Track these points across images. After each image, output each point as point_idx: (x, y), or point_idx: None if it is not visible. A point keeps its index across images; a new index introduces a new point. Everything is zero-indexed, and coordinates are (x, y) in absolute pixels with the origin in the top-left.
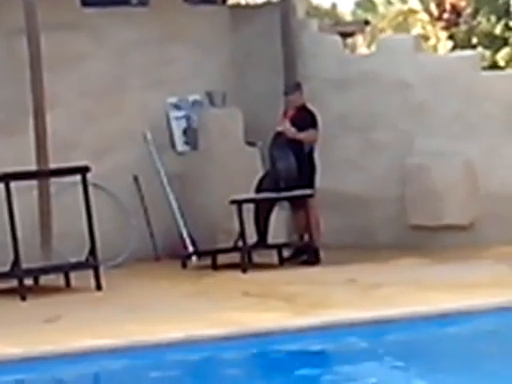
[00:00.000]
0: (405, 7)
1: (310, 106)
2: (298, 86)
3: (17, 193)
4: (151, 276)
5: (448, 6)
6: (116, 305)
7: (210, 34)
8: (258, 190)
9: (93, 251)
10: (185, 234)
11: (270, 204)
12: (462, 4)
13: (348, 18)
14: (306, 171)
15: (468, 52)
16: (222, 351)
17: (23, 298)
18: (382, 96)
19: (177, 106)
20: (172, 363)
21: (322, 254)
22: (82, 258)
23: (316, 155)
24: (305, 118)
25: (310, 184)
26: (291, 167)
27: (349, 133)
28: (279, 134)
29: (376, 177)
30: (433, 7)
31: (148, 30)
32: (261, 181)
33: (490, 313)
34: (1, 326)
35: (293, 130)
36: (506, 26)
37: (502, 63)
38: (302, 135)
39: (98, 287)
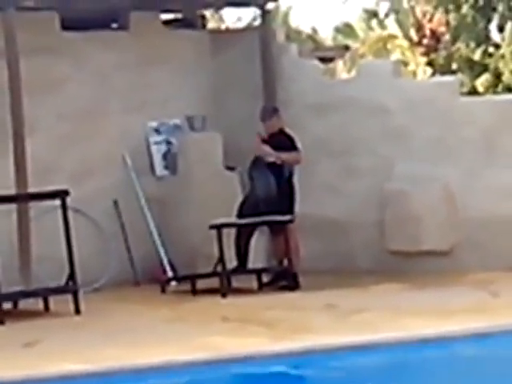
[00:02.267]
0: (384, 33)
1: (287, 130)
2: (274, 111)
3: None
4: (130, 301)
5: (428, 32)
6: (95, 329)
7: (190, 59)
8: (240, 214)
9: (72, 275)
10: (164, 259)
11: (251, 228)
12: (442, 30)
13: (328, 42)
14: (285, 196)
15: (447, 78)
16: (201, 376)
17: (2, 322)
18: (361, 121)
19: (157, 131)
20: None
21: (301, 279)
22: (61, 283)
23: (295, 180)
24: (284, 142)
25: (290, 209)
26: (270, 189)
27: (328, 157)
28: (258, 158)
29: (355, 202)
30: (412, 32)
31: (128, 53)
32: (241, 205)
33: (469, 339)
34: None
35: (273, 152)
36: (485, 52)
37: (481, 89)
38: (284, 156)
39: (77, 311)
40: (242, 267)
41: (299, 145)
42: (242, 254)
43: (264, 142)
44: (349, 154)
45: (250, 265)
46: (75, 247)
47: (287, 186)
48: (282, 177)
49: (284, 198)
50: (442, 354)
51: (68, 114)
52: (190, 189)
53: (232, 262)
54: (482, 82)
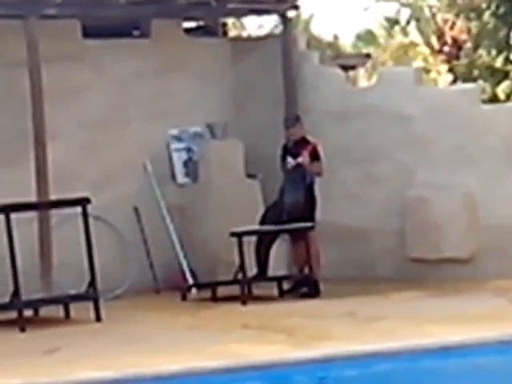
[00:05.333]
0: (406, 40)
1: (310, 137)
2: (297, 119)
3: (17, 224)
4: (151, 308)
5: (449, 39)
6: (115, 336)
7: (211, 66)
8: (263, 221)
9: (92, 283)
10: (185, 266)
11: (272, 236)
12: (463, 37)
13: (349, 49)
14: (307, 203)
15: (468, 85)
16: (221, 383)
17: (22, 330)
18: (382, 128)
19: (178, 138)
20: None
21: (321, 287)
22: (82, 290)
23: (316, 187)
24: (308, 151)
25: (311, 216)
26: (298, 202)
27: (349, 165)
28: (296, 167)
29: (376, 209)
30: (434, 40)
31: (149, 61)
32: (266, 212)
33: (490, 346)
34: (0, 357)
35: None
36: (507, 59)
37: (502, 96)
38: (313, 167)
39: (98, 319)
40: (261, 275)
41: (322, 154)
42: (262, 261)
43: (287, 149)
44: (369, 162)
45: (271, 272)
46: (96, 255)
47: (308, 193)
48: (304, 184)
49: (305, 206)
50: (462, 362)
51: (89, 122)
52: (210, 196)
53: (252, 270)
54: (503, 89)
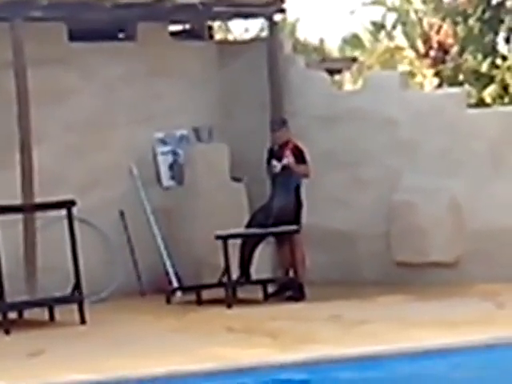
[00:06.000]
0: (391, 44)
1: (296, 141)
2: (283, 123)
3: (2, 226)
4: (136, 311)
5: (435, 44)
6: (100, 339)
7: (197, 70)
8: (249, 224)
9: (77, 285)
10: (170, 269)
11: (257, 239)
12: (449, 41)
13: (335, 53)
14: (293, 207)
15: (454, 89)
16: None
17: (7, 332)
18: (368, 132)
19: (163, 141)
20: None
21: (306, 290)
22: (67, 292)
23: (303, 190)
24: (294, 153)
25: (297, 220)
26: (287, 206)
27: (335, 169)
28: (283, 170)
29: (362, 213)
30: (419, 44)
31: (135, 64)
32: (253, 215)
33: (475, 350)
34: None
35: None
36: (493, 63)
37: (488, 100)
38: (294, 165)
39: (83, 321)
40: (243, 276)
41: (308, 158)
42: (246, 263)
43: (273, 152)
44: (356, 166)
45: (256, 275)
46: (81, 257)
47: (294, 196)
48: (292, 187)
49: (292, 209)
50: (447, 366)
51: (75, 125)
52: (196, 199)
53: (237, 273)
54: (489, 93)
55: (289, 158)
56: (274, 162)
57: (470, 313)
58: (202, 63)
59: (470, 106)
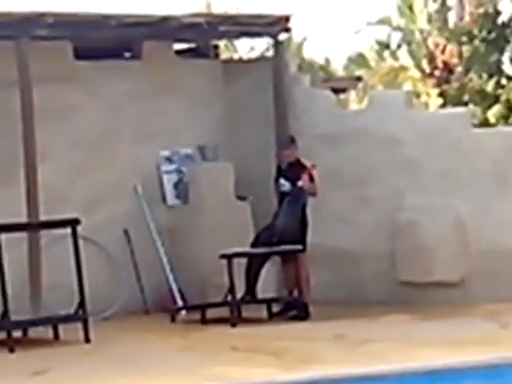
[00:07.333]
0: (396, 64)
1: (304, 160)
2: (292, 141)
3: (7, 244)
4: (140, 329)
5: (440, 63)
6: (104, 358)
7: (202, 88)
8: (255, 243)
9: (82, 304)
10: (174, 288)
11: (263, 258)
12: (454, 61)
13: (340, 72)
14: (299, 226)
15: (459, 109)
16: None
17: (11, 350)
18: (373, 151)
19: (168, 160)
20: None
21: (311, 310)
22: (71, 311)
23: (308, 210)
24: (302, 172)
25: (302, 239)
26: (291, 225)
27: (340, 188)
28: (296, 190)
29: (366, 232)
30: (424, 64)
31: (141, 83)
32: (258, 234)
33: (480, 370)
34: None
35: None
36: (498, 83)
37: (493, 120)
38: (312, 187)
39: (87, 340)
40: (249, 295)
41: (317, 178)
42: (251, 283)
43: (281, 170)
44: (360, 185)
45: (261, 294)
46: (85, 276)
47: (300, 215)
48: (299, 207)
49: (298, 228)
50: None
51: (80, 143)
52: (201, 218)
53: (242, 292)
54: (494, 113)
55: (305, 182)
56: (282, 181)
57: (474, 333)
58: (208, 82)
59: (475, 125)
